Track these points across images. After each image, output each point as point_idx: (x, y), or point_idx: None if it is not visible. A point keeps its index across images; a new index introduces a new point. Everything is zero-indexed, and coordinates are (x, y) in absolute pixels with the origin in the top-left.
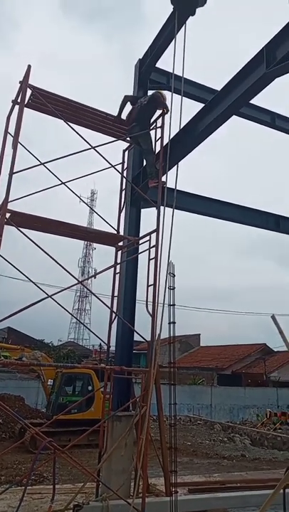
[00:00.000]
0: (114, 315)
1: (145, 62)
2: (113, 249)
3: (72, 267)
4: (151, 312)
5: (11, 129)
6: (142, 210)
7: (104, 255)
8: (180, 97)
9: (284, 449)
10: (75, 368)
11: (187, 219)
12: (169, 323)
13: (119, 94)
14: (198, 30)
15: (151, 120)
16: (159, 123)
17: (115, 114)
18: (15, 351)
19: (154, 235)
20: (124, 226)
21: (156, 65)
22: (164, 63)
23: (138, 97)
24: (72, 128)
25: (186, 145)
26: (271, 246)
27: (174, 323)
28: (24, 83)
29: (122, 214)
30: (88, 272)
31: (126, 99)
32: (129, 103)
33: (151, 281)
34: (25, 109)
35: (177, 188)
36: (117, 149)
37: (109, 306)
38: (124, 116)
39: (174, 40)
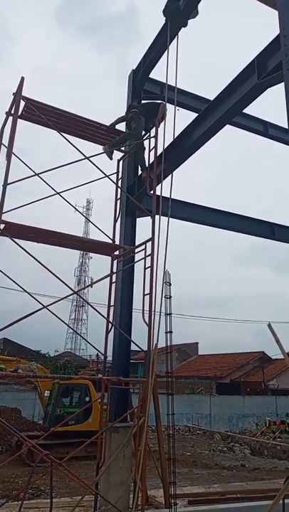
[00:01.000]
0: (110, 325)
1: (138, 72)
2: (109, 258)
3: (68, 276)
4: (147, 321)
5: (5, 141)
6: (138, 219)
7: (100, 264)
8: (173, 106)
9: (284, 458)
10: (72, 379)
11: (183, 227)
12: (166, 332)
13: (114, 105)
14: (192, 40)
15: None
16: (152, 133)
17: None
18: (11, 363)
19: (149, 244)
20: (120, 235)
21: (150, 76)
22: (157, 74)
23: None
24: (65, 138)
25: (181, 154)
26: (268, 253)
27: (170, 332)
28: (17, 95)
29: (118, 223)
30: (84, 281)
31: (120, 119)
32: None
33: (147, 291)
34: (19, 120)
35: (172, 197)
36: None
37: (106, 315)
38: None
39: (166, 51)
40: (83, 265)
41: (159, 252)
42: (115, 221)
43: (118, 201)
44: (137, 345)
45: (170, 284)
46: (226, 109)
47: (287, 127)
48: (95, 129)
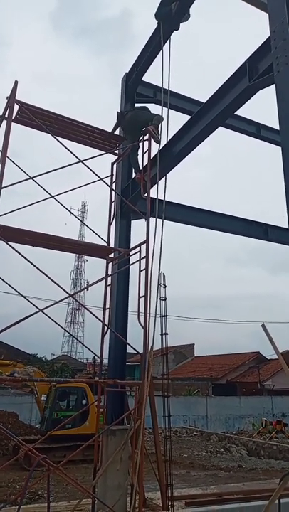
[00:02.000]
0: (106, 327)
1: (132, 76)
2: (105, 260)
3: (64, 279)
4: (143, 324)
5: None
6: (133, 221)
7: (96, 267)
8: (166, 109)
9: (280, 458)
10: (68, 382)
11: (178, 229)
12: (162, 334)
13: (109, 108)
14: (186, 43)
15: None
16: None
17: (105, 127)
18: (7, 367)
19: (144, 246)
20: (115, 238)
21: (143, 79)
22: (150, 77)
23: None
24: (60, 142)
25: (174, 157)
26: (263, 254)
27: (166, 334)
28: (11, 98)
29: (112, 226)
30: (80, 284)
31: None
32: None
33: (142, 293)
34: (18, 124)
35: (166, 199)
36: (108, 161)
37: (101, 318)
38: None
39: (160, 54)
40: (79, 268)
41: (154, 254)
42: (110, 224)
43: (112, 204)
44: (132, 347)
45: (165, 286)
46: (219, 112)
47: (279, 128)
48: (89, 132)
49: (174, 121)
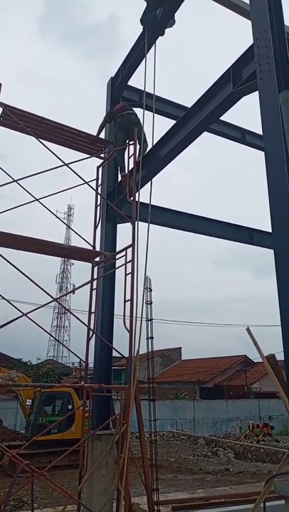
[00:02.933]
0: (91, 332)
1: (117, 80)
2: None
3: (50, 283)
4: (128, 327)
5: None
6: (118, 225)
7: (82, 270)
8: (152, 113)
9: (267, 460)
10: (53, 387)
11: (164, 232)
12: (147, 338)
13: (95, 111)
14: (171, 48)
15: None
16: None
17: (91, 131)
18: None
19: (130, 250)
20: (101, 241)
21: (128, 83)
22: (135, 81)
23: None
24: (44, 145)
25: (160, 161)
26: (249, 258)
27: (152, 338)
28: None
29: (98, 229)
30: (66, 287)
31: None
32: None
33: (128, 297)
34: (2, 128)
35: (152, 204)
36: (94, 164)
37: (87, 322)
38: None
39: (144, 59)
40: (65, 272)
41: (140, 257)
42: (96, 227)
43: (98, 207)
44: (118, 351)
45: (151, 290)
46: (203, 117)
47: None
48: (74, 135)
49: (159, 125)
